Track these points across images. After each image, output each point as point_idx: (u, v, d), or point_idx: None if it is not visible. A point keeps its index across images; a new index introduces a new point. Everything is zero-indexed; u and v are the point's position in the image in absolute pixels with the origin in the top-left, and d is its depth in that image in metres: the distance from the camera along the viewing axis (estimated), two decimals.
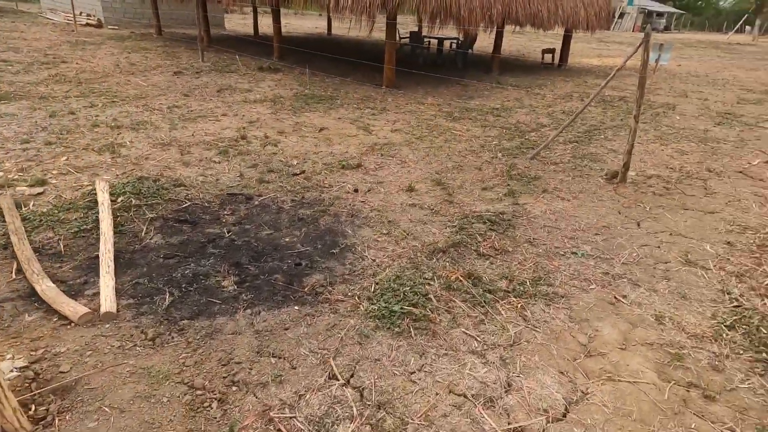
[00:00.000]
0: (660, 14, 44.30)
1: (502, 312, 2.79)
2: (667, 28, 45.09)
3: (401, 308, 2.70)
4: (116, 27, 17.28)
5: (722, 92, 10.68)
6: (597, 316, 2.82)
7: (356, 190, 4.45)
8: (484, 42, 15.48)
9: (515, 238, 3.72)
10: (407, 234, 3.70)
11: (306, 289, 2.94)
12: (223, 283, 2.93)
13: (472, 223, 3.90)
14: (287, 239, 3.54)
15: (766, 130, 7.37)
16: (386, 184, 4.66)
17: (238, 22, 23.38)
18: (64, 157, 4.64)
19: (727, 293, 3.10)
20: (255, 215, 3.85)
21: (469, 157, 5.59)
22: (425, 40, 13.30)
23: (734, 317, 2.83)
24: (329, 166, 4.99)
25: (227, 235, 3.51)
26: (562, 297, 2.97)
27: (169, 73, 9.09)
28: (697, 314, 2.88)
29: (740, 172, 5.50)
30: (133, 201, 3.83)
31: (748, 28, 42.62)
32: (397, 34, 13.65)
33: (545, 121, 7.42)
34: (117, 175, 4.33)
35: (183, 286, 2.86)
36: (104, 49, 11.50)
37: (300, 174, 4.72)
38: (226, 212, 3.86)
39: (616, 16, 39.38)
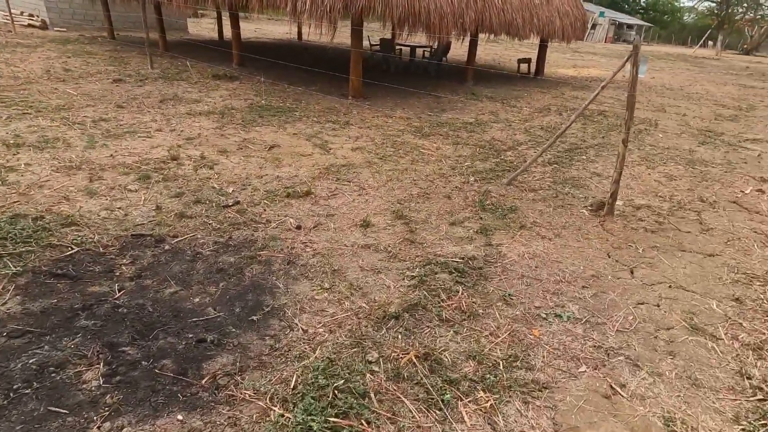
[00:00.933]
0: (630, 26, 45.01)
1: (465, 418, 2.06)
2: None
3: (324, 424, 1.93)
4: (64, 29, 16.11)
5: (698, 107, 10.34)
6: (589, 419, 2.12)
7: (299, 227, 3.69)
8: (458, 51, 14.95)
9: (487, 293, 3.01)
10: (354, 289, 2.96)
11: (204, 382, 2.16)
12: (84, 377, 2.12)
13: (436, 273, 3.18)
14: (197, 300, 2.75)
15: (749, 151, 6.93)
16: (338, 218, 3.91)
17: (206, 27, 22.38)
18: None
19: (747, 377, 2.45)
20: (162, 265, 3.04)
21: (437, 181, 4.89)
22: (397, 47, 12.67)
23: (761, 420, 2.17)
24: (272, 195, 4.22)
25: (116, 296, 2.70)
26: (545, 388, 2.26)
27: (108, 81, 8.17)
28: (714, 413, 2.21)
29: (734, 202, 4.95)
30: None
31: (710, 42, 43.74)
32: (368, 41, 13.01)
33: (522, 138, 6.81)
34: None
35: (19, 385, 2.04)
36: (39, 53, 10.46)
37: (233, 206, 3.93)
38: (124, 261, 3.04)
39: (589, 27, 39.76)
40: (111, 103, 6.73)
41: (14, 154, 4.48)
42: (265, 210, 3.92)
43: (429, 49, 12.32)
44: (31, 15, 16.81)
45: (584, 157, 6.08)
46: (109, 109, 6.41)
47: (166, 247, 3.24)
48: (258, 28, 23.20)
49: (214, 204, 3.92)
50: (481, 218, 4.09)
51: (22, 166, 4.24)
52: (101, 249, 3.13)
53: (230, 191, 4.21)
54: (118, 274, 2.91)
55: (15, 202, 3.58)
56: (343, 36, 11.10)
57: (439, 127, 7.11)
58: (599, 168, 5.65)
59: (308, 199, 4.21)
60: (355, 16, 7.77)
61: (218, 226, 3.58)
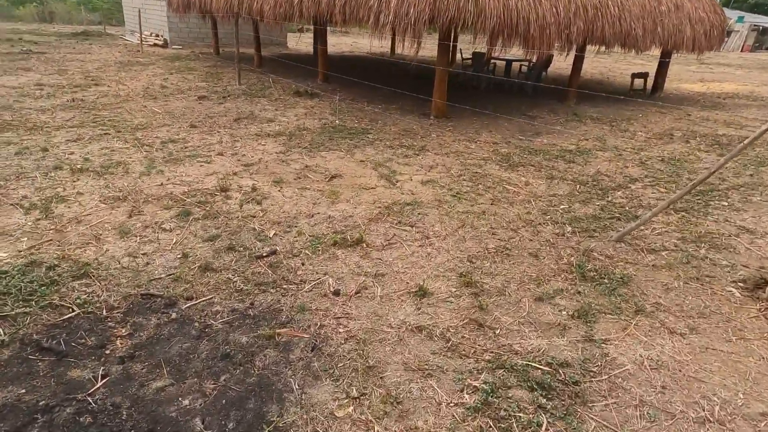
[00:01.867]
0: None
1: None
2: None
3: None
4: (180, 47, 17.23)
5: None
6: None
7: (337, 293, 2.94)
8: (561, 64, 13.48)
9: None
10: (391, 404, 2.13)
11: None
12: None
13: (509, 387, 2.24)
14: (185, 402, 2.10)
15: None
16: (388, 279, 3.11)
17: (306, 41, 22.95)
18: None
19: None
20: (161, 341, 2.46)
21: (522, 231, 3.90)
22: (491, 62, 11.63)
23: None
24: (316, 242, 3.53)
25: (95, 387, 2.14)
26: None
27: (194, 98, 8.18)
28: None
29: None
30: None
31: None
32: (460, 54, 12.12)
33: (636, 173, 5.50)
34: (16, 252, 3.14)
35: None
36: (150, 70, 11.00)
37: (267, 257, 3.29)
38: (123, 332, 2.50)
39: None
40: (187, 122, 6.58)
41: (74, 181, 4.29)
42: (303, 264, 3.24)
43: (527, 64, 11.12)
44: (157, 35, 18.29)
45: (725, 203, 4.66)
46: (182, 129, 6.23)
47: (174, 315, 2.65)
48: (355, 41, 23.31)
49: (247, 253, 3.32)
50: (579, 292, 3.05)
51: (74, 195, 4.00)
52: (104, 312, 2.63)
53: (271, 235, 3.60)
54: (109, 351, 2.37)
55: (46, 241, 3.26)
56: (434, 49, 10.35)
57: (531, 155, 6.03)
58: (749, 220, 4.24)
59: (358, 250, 3.47)
60: (442, 28, 6.97)
61: (242, 285, 2.95)
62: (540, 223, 4.05)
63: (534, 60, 10.22)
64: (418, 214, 4.13)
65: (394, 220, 3.98)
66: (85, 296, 2.72)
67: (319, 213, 4.05)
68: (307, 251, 3.40)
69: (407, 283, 3.09)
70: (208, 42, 17.66)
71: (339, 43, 21.46)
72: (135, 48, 15.96)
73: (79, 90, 8.21)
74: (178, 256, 3.21)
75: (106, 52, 14.40)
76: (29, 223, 3.46)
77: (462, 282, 3.11)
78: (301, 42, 22.47)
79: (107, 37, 19.89)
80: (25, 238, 3.26)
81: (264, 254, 3.30)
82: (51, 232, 3.39)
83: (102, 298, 2.73)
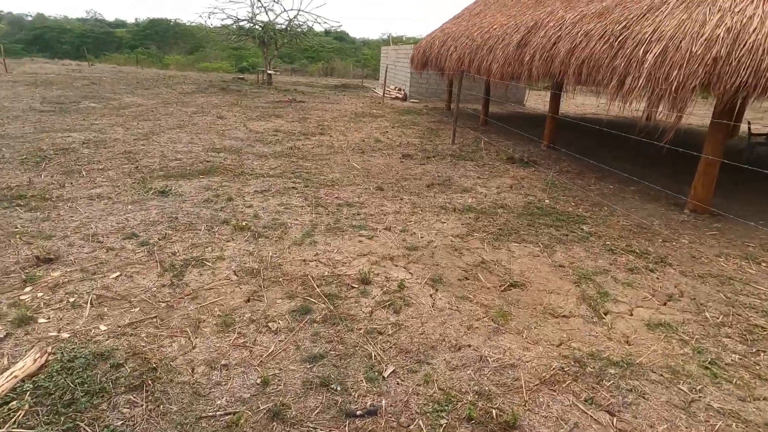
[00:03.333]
0: None
1: None
2: None
3: None
4: (417, 101, 18.14)
5: None
6: None
7: None
8: None
9: None
10: None
11: None
12: None
13: None
14: None
15: None
16: None
17: (546, 100, 21.71)
18: (107, 279, 3.57)
19: None
20: None
21: None
22: None
23: None
24: (446, 407, 2.33)
25: None
26: None
27: (398, 156, 7.89)
28: None
29: None
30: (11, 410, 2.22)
31: None
32: (747, 129, 9.09)
33: None
34: (117, 326, 2.88)
35: None
36: (377, 122, 11.51)
37: (361, 417, 2.24)
38: None
39: None
40: (377, 183, 6.18)
41: (227, 241, 4.13)
42: None
43: None
44: (399, 89, 19.90)
45: None
46: (368, 190, 5.82)
47: None
48: (602, 102, 20.90)
49: (341, 398, 2.34)
50: None
51: (215, 259, 3.77)
52: None
53: (386, 374, 2.55)
54: None
55: (150, 318, 2.95)
56: (703, 116, 7.93)
57: None
58: None
59: None
60: (722, 97, 4.93)
61: None
62: None
63: None
64: (629, 390, 2.50)
65: (582, 394, 2.46)
66: (119, 423, 2.15)
67: (469, 347, 2.83)
68: (426, 421, 2.22)
69: None
70: (444, 97, 18.17)
71: (584, 103, 19.45)
72: (378, 100, 17.44)
73: (304, 138, 8.86)
74: (257, 381, 2.45)
75: (351, 102, 16.04)
76: (153, 289, 3.26)
77: None
78: (542, 100, 21.29)
79: (361, 89, 22.56)
80: (137, 309, 3.01)
81: (358, 413, 2.27)
82: (163, 306, 3.09)
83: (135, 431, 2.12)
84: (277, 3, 18.86)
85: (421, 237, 4.47)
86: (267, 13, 19.87)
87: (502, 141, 9.84)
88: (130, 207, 4.71)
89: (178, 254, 3.78)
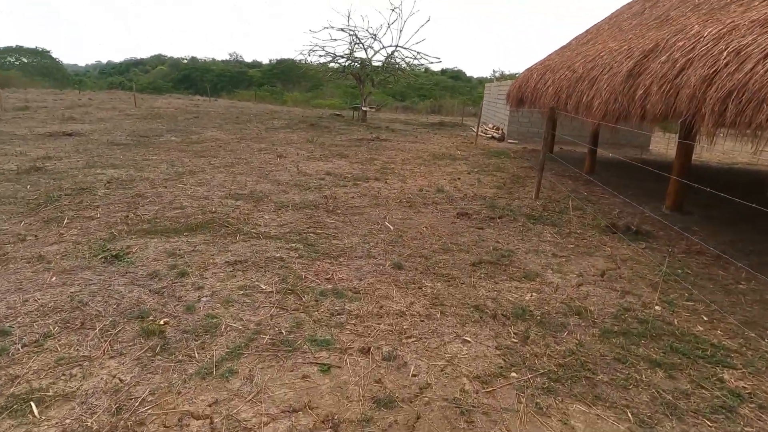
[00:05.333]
0: None
1: None
2: None
3: None
4: (515, 141, 16.03)
5: None
6: None
7: None
8: None
9: None
10: None
11: None
12: None
13: None
14: None
15: None
16: None
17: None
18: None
19: None
20: None
21: None
22: None
23: None
24: None
25: None
26: None
27: (453, 212, 6.08)
28: None
29: None
30: None
31: None
32: None
33: None
34: None
35: None
36: (453, 166, 9.79)
37: None
38: None
39: None
40: (401, 256, 4.48)
41: (109, 358, 2.75)
42: None
43: None
44: (497, 128, 17.95)
45: None
46: (380, 269, 4.14)
47: None
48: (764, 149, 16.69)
49: None
50: None
51: (52, 400, 2.37)
52: None
53: None
54: None
55: None
56: None
57: None
58: None
59: None
60: None
61: None
62: None
63: None
64: None
65: None
66: None
67: None
68: None
69: None
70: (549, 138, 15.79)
71: (734, 149, 15.60)
72: (471, 139, 15.69)
73: (351, 184, 7.47)
74: None
75: (440, 142, 14.51)
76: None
77: None
78: (671, 145, 17.70)
79: (459, 128, 20.96)
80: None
81: None
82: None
83: None
84: (377, 40, 18.04)
85: (414, 375, 2.66)
86: (366, 50, 19.31)
87: (606, 198, 7.48)
88: (53, 280, 3.62)
89: (19, 380, 2.47)
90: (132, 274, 3.75)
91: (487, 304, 3.58)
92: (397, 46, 19.16)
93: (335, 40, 20.58)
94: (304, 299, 3.46)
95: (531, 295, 3.78)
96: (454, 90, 52.58)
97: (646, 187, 8.51)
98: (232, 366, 2.64)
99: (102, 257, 4.02)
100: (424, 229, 5.33)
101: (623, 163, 12.14)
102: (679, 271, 4.54)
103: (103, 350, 2.74)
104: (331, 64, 19.83)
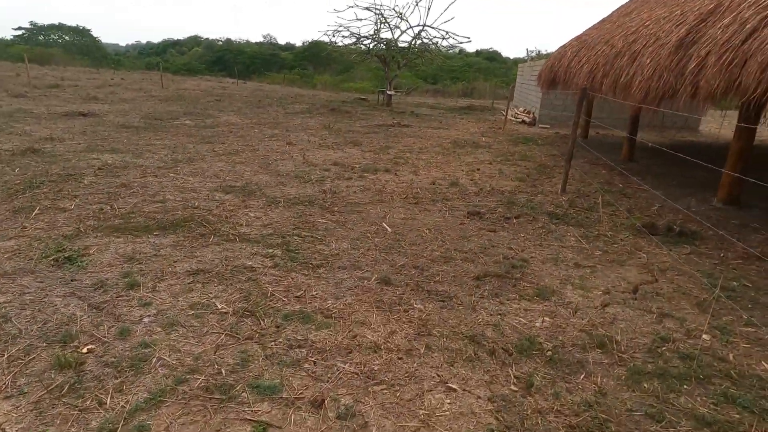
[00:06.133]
0: None
1: None
2: None
3: None
4: (547, 126, 14.91)
5: None
6: None
7: None
8: None
9: None
10: None
11: None
12: None
13: None
14: None
15: None
16: None
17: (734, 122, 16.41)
18: None
19: None
20: None
21: None
22: None
23: None
24: None
25: None
26: None
27: (464, 211, 5.35)
28: None
29: None
30: None
31: None
32: None
33: None
34: None
35: None
36: (474, 155, 8.98)
37: None
38: None
39: None
40: (392, 267, 3.82)
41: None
42: None
43: None
44: (528, 112, 16.81)
45: None
46: (364, 284, 3.50)
47: None
48: None
49: None
50: None
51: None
52: None
53: None
54: None
55: None
56: None
57: None
58: None
59: None
60: None
61: None
62: None
63: None
64: None
65: None
66: None
67: None
68: None
69: None
70: (582, 123, 14.59)
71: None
72: (500, 124, 14.68)
73: (357, 176, 6.81)
74: None
75: (465, 127, 13.62)
76: None
77: None
78: (726, 123, 16.06)
79: (489, 111, 19.85)
80: None
81: None
82: None
83: None
84: (404, 20, 17.10)
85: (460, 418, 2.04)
86: (392, 30, 18.37)
87: (645, 191, 6.55)
88: None
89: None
90: (77, 282, 3.25)
91: (487, 333, 2.89)
92: (424, 25, 18.12)
93: (360, 19, 19.74)
94: (262, 324, 2.87)
95: (543, 321, 3.07)
96: (489, 72, 50.65)
97: (695, 176, 7.48)
98: (146, 420, 2.08)
99: (53, 259, 3.56)
100: (427, 231, 4.64)
101: (670, 147, 10.97)
102: (735, 284, 3.71)
103: (1, 386, 2.24)
104: (356, 46, 19.00)
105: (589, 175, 7.51)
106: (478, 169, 7.65)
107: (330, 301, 3.17)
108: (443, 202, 5.70)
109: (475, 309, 3.17)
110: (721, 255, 4.28)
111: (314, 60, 51.99)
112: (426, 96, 33.06)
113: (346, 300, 3.20)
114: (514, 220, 5.04)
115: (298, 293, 3.25)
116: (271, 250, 3.95)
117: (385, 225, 4.73)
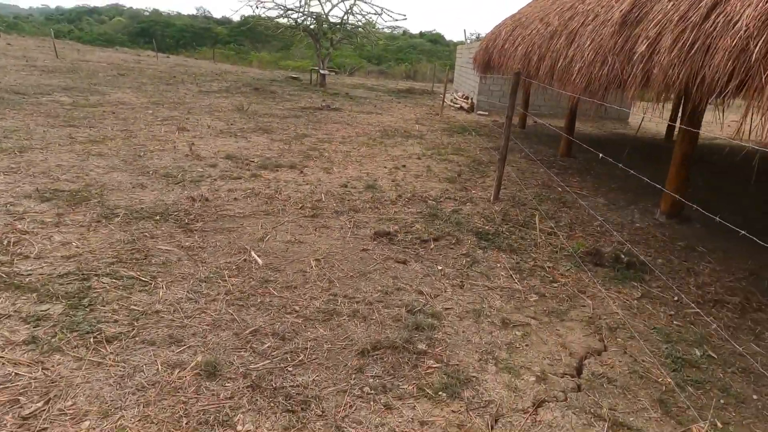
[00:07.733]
0: None
1: None
2: None
3: None
4: (485, 113, 13.97)
5: None
6: None
7: None
8: None
9: None
10: None
11: None
12: None
13: None
14: None
15: None
16: None
17: (659, 119, 16.22)
18: None
19: None
20: None
21: None
22: None
23: None
24: None
25: None
26: None
27: (371, 230, 4.12)
28: None
29: None
30: None
31: None
32: None
33: None
34: None
35: None
36: (403, 147, 7.75)
37: None
38: None
39: None
40: (255, 328, 2.52)
41: None
42: None
43: None
44: (466, 98, 15.80)
45: None
46: (173, 387, 2.18)
47: None
48: None
49: None
50: None
51: None
52: None
53: None
54: None
55: None
56: None
57: None
58: None
59: None
60: None
61: None
62: None
63: None
64: None
65: None
66: None
67: None
68: None
69: None
70: (520, 111, 13.76)
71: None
72: (437, 110, 13.56)
73: (251, 175, 5.38)
74: None
75: (400, 112, 12.37)
76: None
77: None
78: (649, 116, 15.85)
79: (429, 95, 18.72)
80: None
81: None
82: None
83: None
84: None
85: None
86: (321, 4, 16.61)
87: (585, 196, 5.62)
88: None
89: None
90: None
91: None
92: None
93: None
94: None
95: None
96: (432, 54, 49.64)
97: (633, 176, 6.68)
98: None
99: None
100: (314, 264, 3.35)
101: (603, 141, 10.31)
102: (698, 353, 2.73)
103: None
104: (282, 20, 17.10)
105: (525, 174, 6.51)
106: (404, 166, 6.44)
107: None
108: (350, 214, 4.42)
109: (340, 430, 1.94)
110: (676, 300, 3.33)
111: (252, 36, 48.49)
112: (369, 77, 31.49)
113: (117, 421, 1.85)
114: (432, 245, 3.86)
115: (27, 412, 1.86)
116: (45, 308, 2.50)
117: (254, 255, 3.38)
